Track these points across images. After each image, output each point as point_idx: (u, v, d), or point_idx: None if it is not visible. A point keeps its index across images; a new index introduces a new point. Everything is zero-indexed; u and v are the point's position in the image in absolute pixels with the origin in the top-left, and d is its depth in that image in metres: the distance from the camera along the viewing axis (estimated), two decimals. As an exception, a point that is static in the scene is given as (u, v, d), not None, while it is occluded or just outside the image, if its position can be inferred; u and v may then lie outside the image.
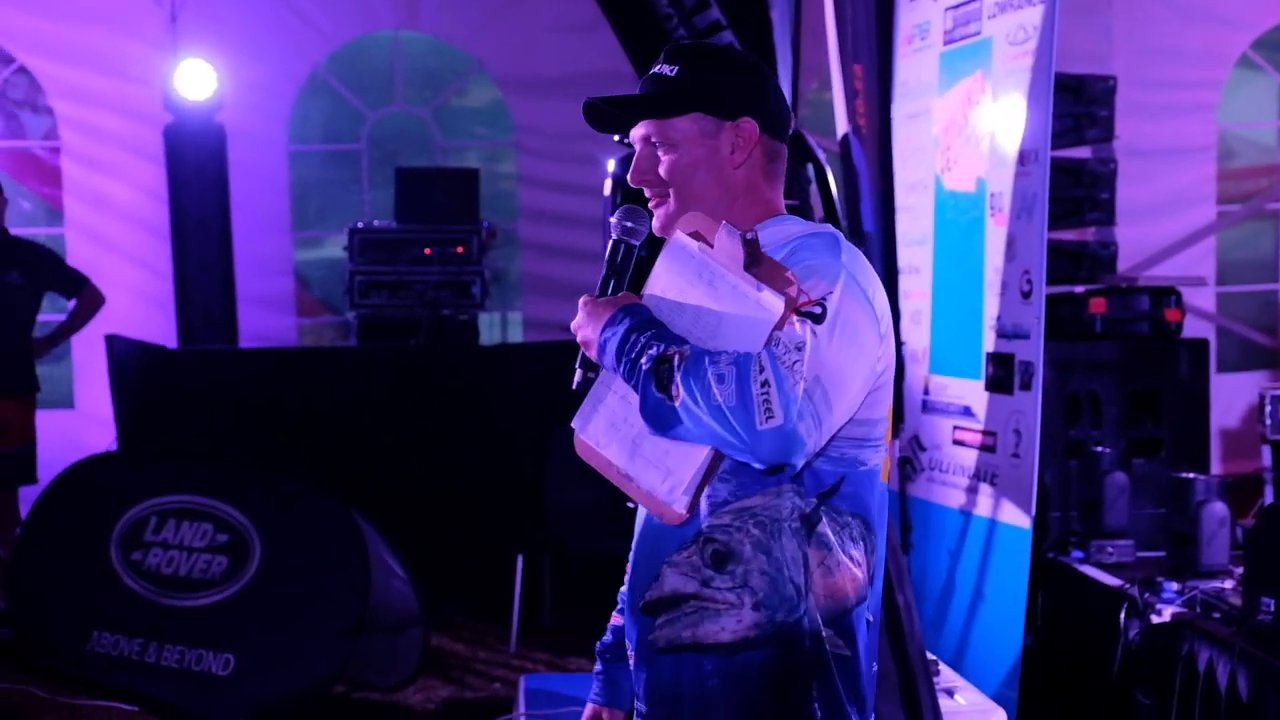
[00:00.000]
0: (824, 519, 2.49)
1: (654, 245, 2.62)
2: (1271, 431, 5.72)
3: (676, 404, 2.36)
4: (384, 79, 10.93)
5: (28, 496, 7.63)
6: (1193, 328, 10.09)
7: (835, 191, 5.84)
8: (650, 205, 2.64)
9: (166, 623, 6.31)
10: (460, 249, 9.06)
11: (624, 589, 2.71)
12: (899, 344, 6.55)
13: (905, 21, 6.70)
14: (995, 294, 5.87)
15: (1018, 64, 5.77)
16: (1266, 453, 5.93)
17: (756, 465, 2.39)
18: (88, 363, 9.84)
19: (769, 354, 2.33)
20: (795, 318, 2.36)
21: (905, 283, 6.62)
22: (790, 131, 2.71)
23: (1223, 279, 11.07)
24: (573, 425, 2.62)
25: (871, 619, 2.58)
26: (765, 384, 2.31)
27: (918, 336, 6.56)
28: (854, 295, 2.43)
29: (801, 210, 5.42)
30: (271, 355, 8.93)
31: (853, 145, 6.20)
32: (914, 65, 6.61)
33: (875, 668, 2.62)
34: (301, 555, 6.32)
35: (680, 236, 2.55)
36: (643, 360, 2.42)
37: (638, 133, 2.64)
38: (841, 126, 6.27)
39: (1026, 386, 5.65)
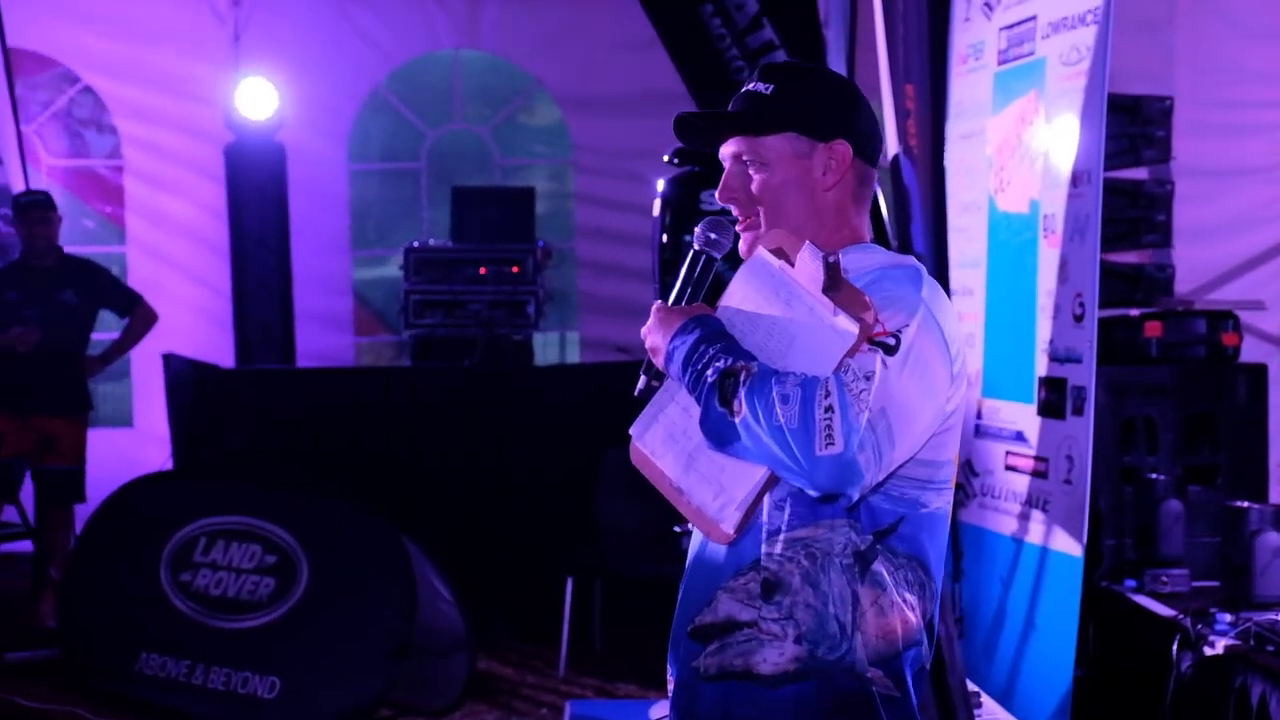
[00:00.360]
0: (880, 558, 2.43)
1: (734, 262, 2.58)
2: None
3: (737, 420, 2.33)
4: (443, 97, 10.96)
5: (81, 513, 7.69)
6: (1258, 352, 9.97)
7: (885, 213, 5.78)
8: (738, 226, 2.60)
9: (214, 644, 6.32)
10: (515, 268, 9.04)
11: None
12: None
13: (959, 41, 6.63)
14: (1048, 317, 5.78)
15: (1071, 84, 5.68)
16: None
17: (811, 492, 2.35)
18: (146, 381, 9.91)
19: (837, 379, 2.29)
20: (868, 346, 2.31)
21: (959, 305, 6.53)
22: (880, 156, 2.67)
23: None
24: (630, 432, 2.59)
25: (924, 664, 2.53)
26: (829, 409, 2.27)
27: (971, 359, 6.47)
28: (930, 331, 2.38)
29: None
30: (324, 375, 8.96)
31: (904, 166, 6.14)
32: (968, 85, 6.53)
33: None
34: (348, 577, 6.31)
35: (762, 252, 2.49)
36: (708, 372, 2.38)
37: (728, 150, 2.60)
38: (892, 147, 6.21)
39: (1079, 411, 5.55)
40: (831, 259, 2.39)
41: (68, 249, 8.30)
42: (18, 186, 8.65)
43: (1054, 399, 5.71)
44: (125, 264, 10.39)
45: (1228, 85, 10.31)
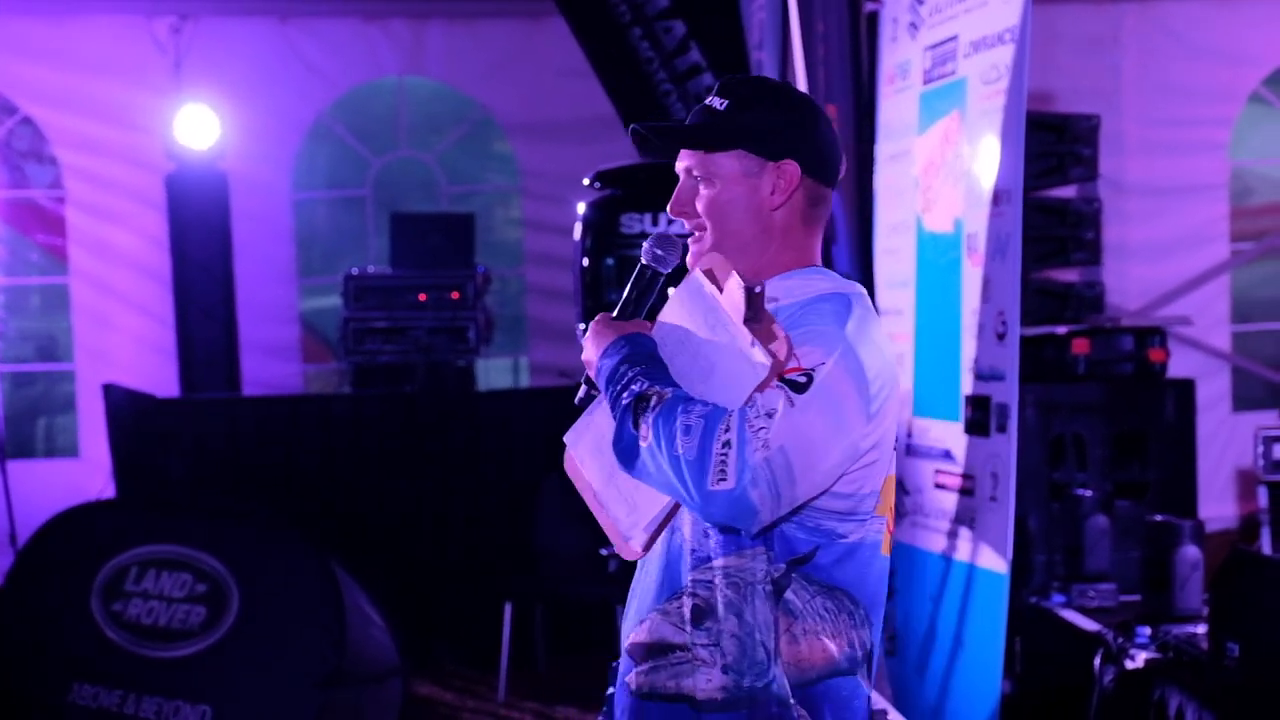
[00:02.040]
0: (792, 586, 2.44)
1: (680, 277, 2.60)
2: (1266, 472, 5.63)
3: (643, 445, 2.35)
4: (389, 125, 10.95)
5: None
6: (1207, 366, 10.02)
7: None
8: (689, 240, 2.61)
9: (145, 674, 6.27)
10: (456, 294, 9.03)
11: None
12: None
13: (888, 61, 6.66)
14: (972, 335, 5.79)
15: (991, 103, 5.71)
16: (1263, 494, 5.84)
17: (705, 522, 2.40)
18: (91, 412, 9.86)
19: (740, 415, 2.30)
20: (776, 383, 2.32)
21: (889, 325, 6.55)
22: (839, 175, 2.66)
23: (1242, 317, 10.93)
24: (565, 439, 2.63)
25: (861, 694, 2.52)
26: (727, 444, 2.28)
27: (902, 379, 6.48)
28: (847, 370, 2.37)
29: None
30: (263, 403, 8.93)
31: (825, 187, 6.14)
32: (896, 105, 6.56)
33: None
34: (277, 605, 6.28)
35: (697, 274, 2.52)
36: (624, 395, 2.41)
37: (680, 164, 2.61)
38: (813, 168, 6.22)
39: (1003, 429, 5.57)
40: (757, 289, 2.40)
41: (10, 281, 8.25)
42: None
43: (979, 417, 5.72)
44: (69, 295, 10.35)
45: (1176, 103, 10.39)
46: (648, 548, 2.50)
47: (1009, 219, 5.56)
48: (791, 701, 2.43)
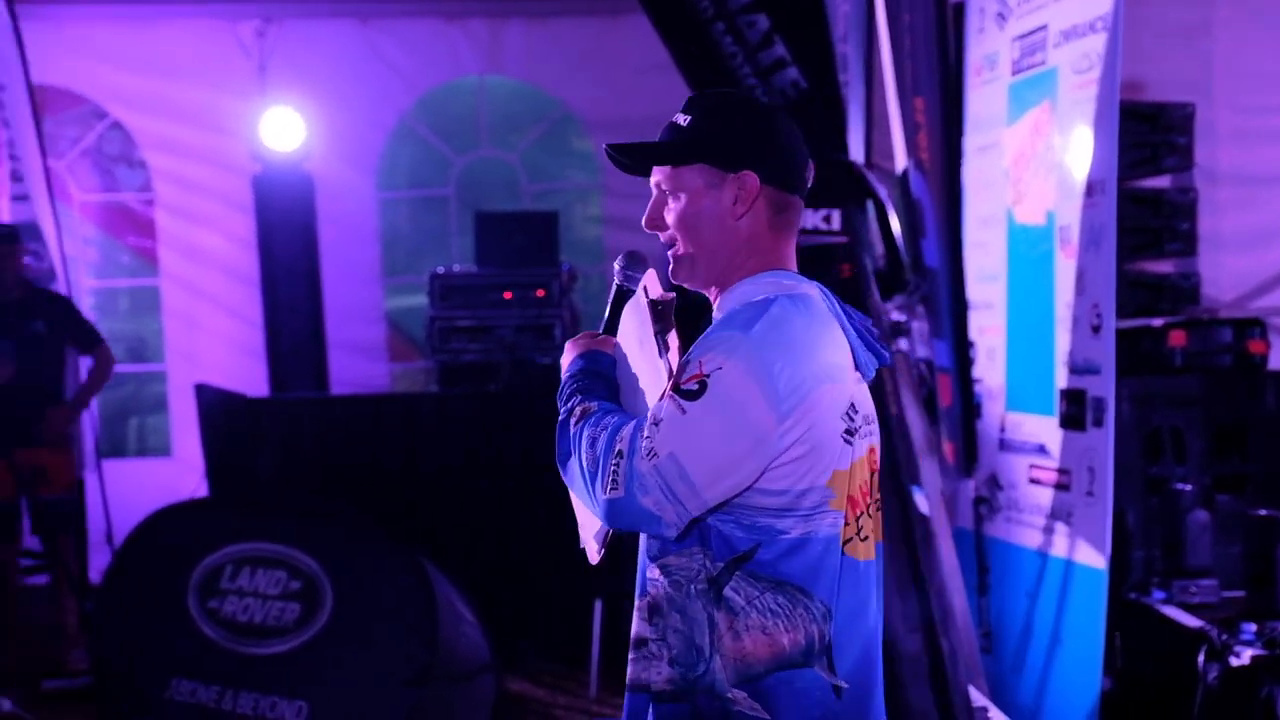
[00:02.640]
0: (734, 583, 2.51)
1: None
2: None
3: (570, 459, 2.52)
4: (470, 124, 10.98)
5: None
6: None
7: (896, 227, 5.74)
8: (668, 252, 2.69)
9: (242, 670, 6.32)
10: (540, 292, 9.04)
11: None
12: (973, 381, 6.44)
13: (975, 53, 6.61)
14: (1066, 329, 5.74)
15: (1083, 93, 5.65)
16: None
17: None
18: (183, 412, 9.96)
19: (636, 425, 2.45)
20: (669, 392, 2.44)
21: (980, 319, 6.51)
22: (806, 182, 2.72)
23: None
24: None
25: (826, 685, 2.54)
26: (620, 454, 2.44)
27: (994, 373, 6.44)
28: (748, 372, 2.44)
29: (856, 247, 5.34)
30: (350, 402, 8.97)
31: (913, 179, 6.11)
32: (984, 97, 6.51)
33: None
34: (370, 602, 6.31)
35: (640, 292, 2.66)
36: (562, 410, 2.58)
37: (653, 179, 2.70)
38: (901, 160, 6.18)
39: (1099, 423, 5.51)
40: (664, 298, 2.60)
41: (103, 283, 8.33)
42: (46, 222, 8.71)
43: (1074, 411, 5.67)
44: (159, 297, 10.46)
45: (1269, 90, 10.22)
46: (599, 554, 2.65)
47: (1103, 210, 5.50)
48: (729, 695, 2.50)
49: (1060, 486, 5.81)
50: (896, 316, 6.07)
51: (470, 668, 6.46)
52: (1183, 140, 6.53)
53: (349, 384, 10.24)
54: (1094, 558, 5.52)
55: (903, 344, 6.05)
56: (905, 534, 4.20)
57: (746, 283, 2.64)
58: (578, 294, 9.59)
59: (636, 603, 2.62)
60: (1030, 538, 6.03)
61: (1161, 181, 6.90)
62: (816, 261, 5.47)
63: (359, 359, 10.54)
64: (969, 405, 6.44)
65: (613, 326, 2.72)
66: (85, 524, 8.05)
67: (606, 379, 2.62)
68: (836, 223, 5.42)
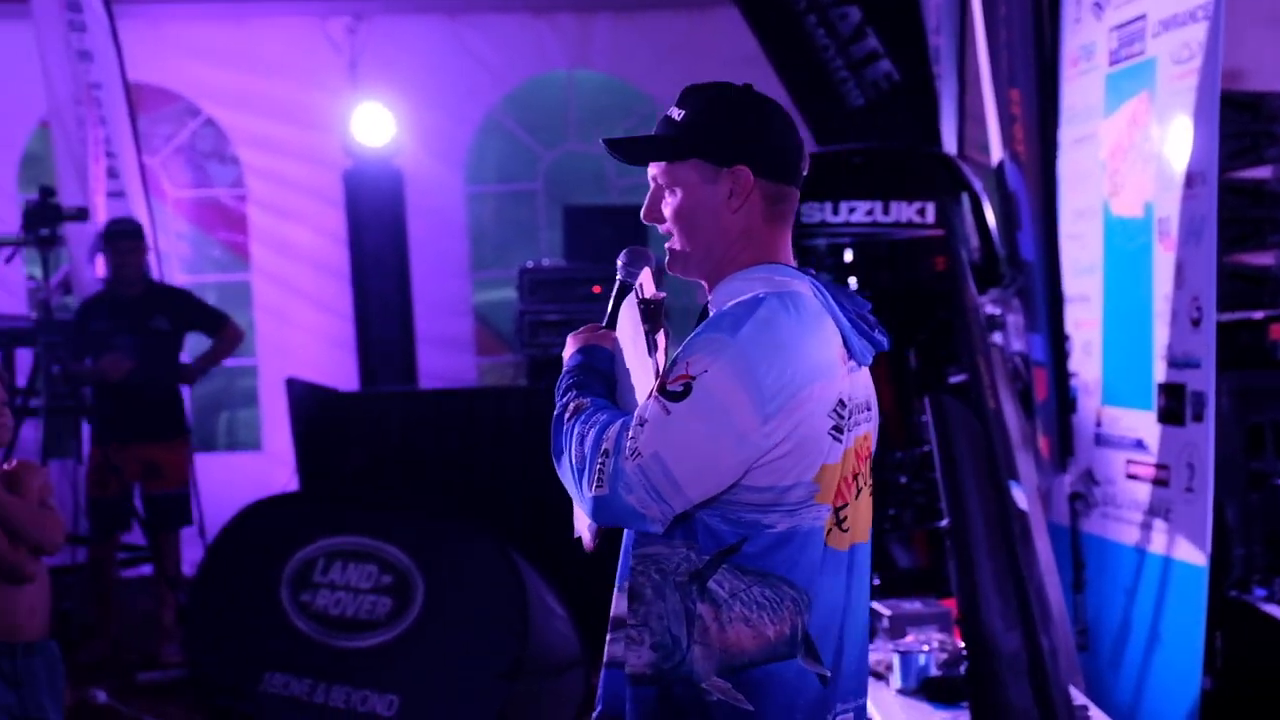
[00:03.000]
0: (718, 576, 2.56)
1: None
2: None
3: (562, 454, 2.60)
4: (558, 118, 11.00)
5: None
6: None
7: (991, 219, 5.68)
8: (666, 244, 2.75)
9: (334, 664, 6.37)
10: (629, 286, 9.03)
11: None
12: (1069, 375, 6.36)
13: (1070, 43, 6.52)
14: (1165, 322, 5.65)
15: (1183, 83, 5.56)
16: None
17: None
18: (274, 406, 10.04)
19: (623, 424, 2.52)
20: (655, 393, 2.50)
21: (1075, 312, 6.42)
22: (801, 173, 2.76)
23: None
24: None
25: (798, 677, 2.60)
26: (606, 453, 2.50)
27: (1089, 367, 6.35)
28: (733, 374, 2.49)
29: (951, 240, 5.29)
30: (440, 396, 9.01)
31: (1009, 172, 6.04)
32: (1080, 88, 6.42)
33: None
34: (461, 596, 6.33)
35: (631, 293, 2.75)
36: (557, 405, 2.65)
37: (650, 172, 2.75)
38: (996, 153, 6.11)
39: (1199, 418, 5.42)
40: (655, 298, 2.69)
41: (195, 278, 8.42)
42: (141, 217, 8.80)
43: (1173, 405, 5.58)
44: (250, 291, 10.55)
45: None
46: (594, 542, 2.70)
47: (1203, 201, 5.41)
48: (704, 685, 2.56)
49: (1159, 482, 5.72)
50: (992, 310, 6.02)
51: (560, 662, 6.47)
52: (1284, 130, 6.42)
53: (437, 378, 10.29)
54: (1194, 554, 5.43)
55: (998, 338, 5.99)
56: (1003, 530, 4.15)
57: (738, 278, 2.68)
58: (665, 288, 9.56)
59: (618, 584, 2.69)
60: (1127, 534, 5.94)
61: (1262, 172, 6.77)
62: (911, 255, 5.43)
63: (447, 353, 10.59)
64: (1064, 399, 6.36)
65: (614, 321, 2.78)
66: (195, 518, 8.13)
67: (603, 375, 2.69)
68: (931, 216, 5.38)
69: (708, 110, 2.71)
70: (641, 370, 2.63)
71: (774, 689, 2.58)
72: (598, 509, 2.54)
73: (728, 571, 2.56)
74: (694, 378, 2.49)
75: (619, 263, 2.82)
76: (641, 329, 2.67)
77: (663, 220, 2.73)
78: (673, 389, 2.49)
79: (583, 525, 2.72)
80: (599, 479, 2.50)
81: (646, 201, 2.75)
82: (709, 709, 2.57)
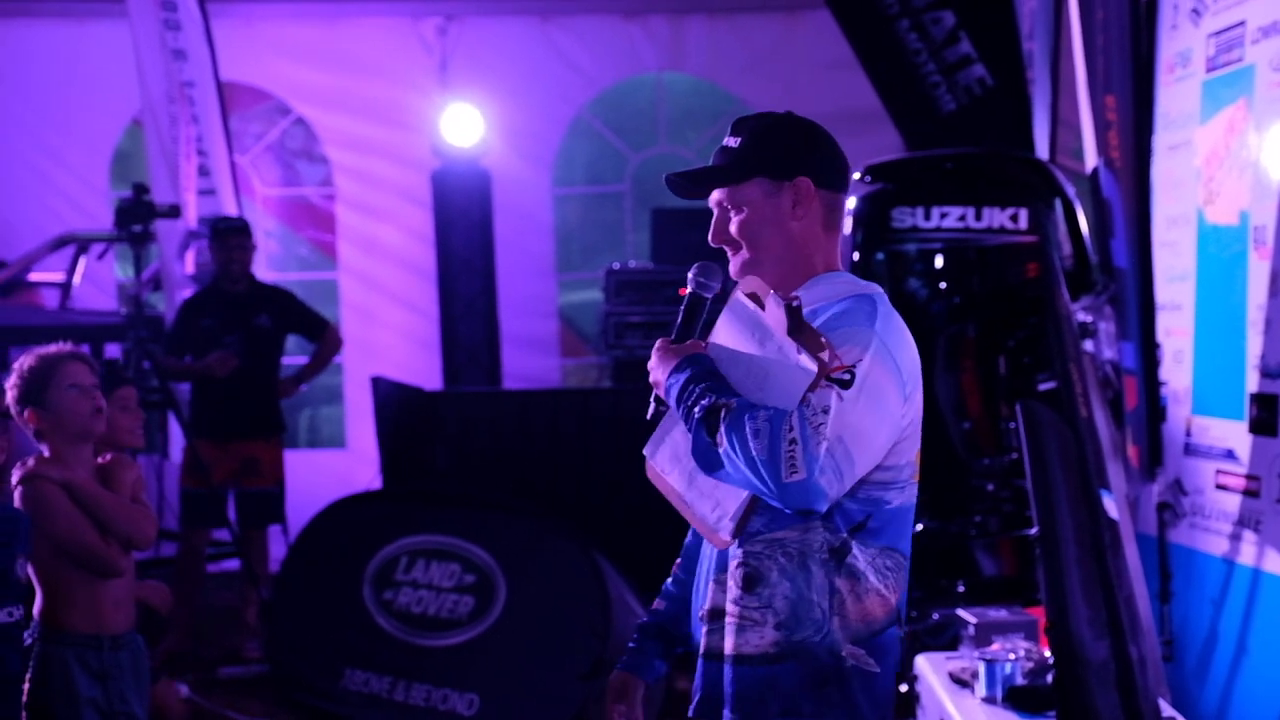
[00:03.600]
0: (854, 551, 2.82)
1: (722, 301, 2.96)
2: None
3: (720, 451, 2.72)
4: (647, 121, 11.01)
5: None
6: None
7: (1084, 226, 5.62)
8: (731, 262, 2.96)
9: (415, 661, 6.39)
10: (715, 289, 9.01)
11: (670, 581, 3.26)
12: (1159, 384, 6.29)
13: (1167, 50, 6.44)
14: (1258, 332, 5.57)
15: (1282, 90, 5.48)
16: None
17: (784, 510, 2.74)
18: (359, 404, 10.11)
19: (799, 414, 2.65)
20: (825, 382, 2.67)
21: (1166, 320, 6.35)
22: (849, 182, 3.06)
23: None
24: (645, 451, 2.99)
25: (902, 636, 2.94)
26: (793, 442, 2.64)
27: (1180, 376, 6.28)
28: (882, 361, 2.75)
29: (1045, 246, 5.24)
30: (525, 396, 9.02)
31: (1104, 178, 5.98)
32: (1175, 95, 6.34)
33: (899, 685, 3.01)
34: (544, 597, 6.34)
35: (740, 296, 2.87)
36: (696, 409, 2.76)
37: (712, 199, 2.98)
38: (1091, 159, 6.04)
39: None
40: (795, 304, 2.75)
41: (282, 276, 8.48)
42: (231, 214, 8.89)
43: (1265, 416, 5.50)
44: (337, 290, 10.62)
45: None
46: (735, 534, 2.82)
47: (1301, 210, 5.34)
48: (844, 653, 2.81)
49: (1249, 493, 5.65)
50: (1084, 317, 5.95)
51: (642, 664, 6.45)
52: (1383, 139, 6.31)
53: (521, 378, 10.32)
54: (1284, 568, 5.36)
55: (1089, 345, 5.93)
56: (1093, 539, 4.10)
57: (823, 280, 2.93)
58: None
59: (710, 577, 2.91)
60: (1216, 544, 5.87)
61: (1360, 182, 6.66)
62: (1002, 261, 5.39)
63: (531, 353, 10.62)
64: (1155, 408, 6.29)
65: (687, 332, 2.93)
66: (284, 519, 8.19)
67: (722, 377, 2.81)
68: (1024, 222, 5.34)
69: (762, 133, 2.94)
70: (777, 368, 2.74)
71: (889, 649, 2.87)
72: (793, 494, 2.66)
73: (859, 547, 2.82)
74: (854, 365, 2.70)
75: (690, 275, 2.96)
76: (762, 329, 2.78)
77: (731, 241, 2.94)
78: (840, 377, 2.68)
79: (719, 519, 2.84)
80: (793, 465, 2.64)
81: (712, 227, 2.96)
82: (846, 675, 2.82)
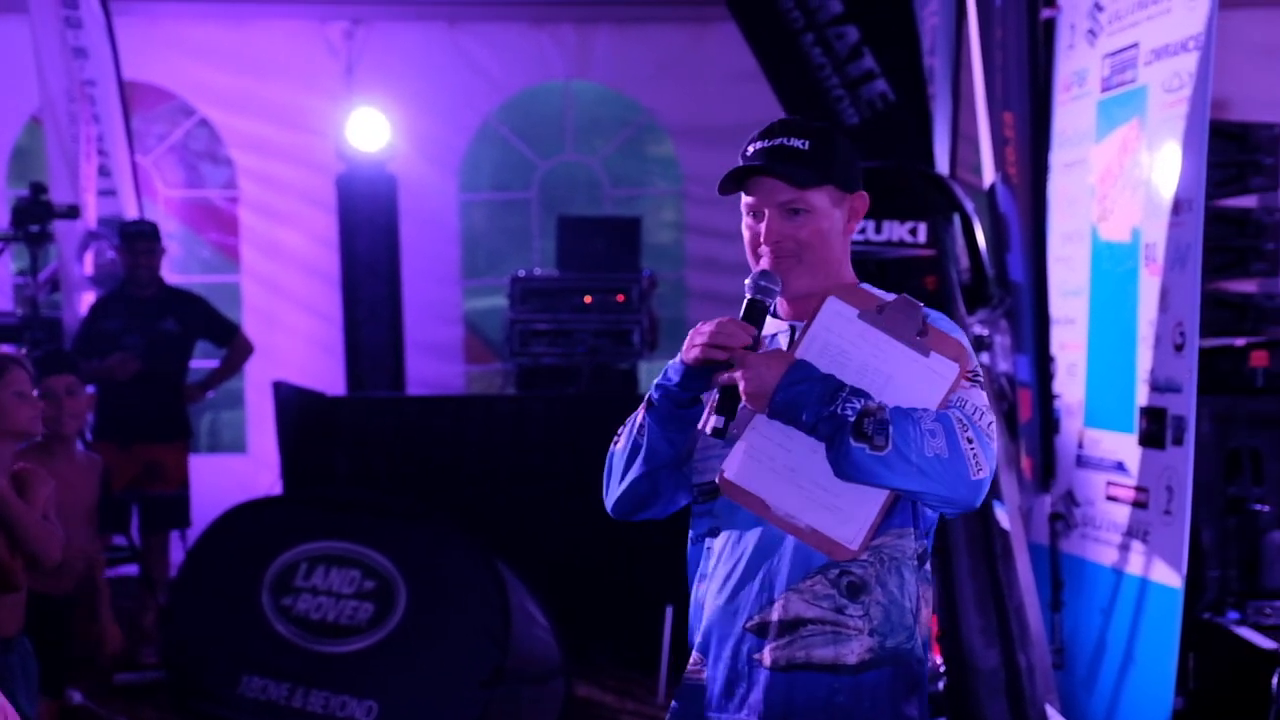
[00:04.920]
0: (929, 557, 2.90)
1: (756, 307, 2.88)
2: None
3: (883, 454, 2.69)
4: (555, 128, 11.02)
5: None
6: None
7: (981, 241, 5.72)
8: (773, 265, 2.89)
9: (313, 668, 6.37)
10: (621, 297, 9.05)
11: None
12: (1053, 397, 6.40)
13: (1064, 69, 6.56)
14: (1149, 346, 5.70)
15: (1173, 111, 5.61)
16: None
17: (948, 510, 2.80)
18: (260, 409, 10.05)
19: (962, 413, 2.73)
20: (966, 383, 2.76)
21: (1061, 334, 6.47)
22: None
23: None
24: (722, 468, 2.87)
25: None
26: (970, 440, 2.70)
27: (1073, 389, 6.39)
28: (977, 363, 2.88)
29: (942, 260, 5.32)
30: (428, 402, 9.01)
31: (1001, 194, 6.08)
32: (1072, 113, 6.47)
33: None
34: (444, 603, 6.34)
35: (838, 303, 2.86)
36: (846, 412, 2.72)
37: (777, 198, 2.89)
38: (989, 175, 6.15)
39: (1179, 442, 5.46)
40: (923, 317, 2.82)
41: (184, 278, 8.43)
42: (131, 217, 8.82)
43: (1154, 429, 5.62)
44: (239, 293, 10.55)
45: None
46: (866, 545, 2.79)
47: (1189, 229, 5.46)
48: (925, 658, 2.87)
49: (1138, 504, 5.77)
50: (979, 330, 6.05)
51: (541, 670, 6.49)
52: (1269, 161, 6.44)
53: (425, 384, 10.30)
54: (1170, 576, 5.48)
55: (985, 358, 6.02)
56: (985, 549, 4.18)
57: (862, 288, 2.95)
58: (657, 300, 9.60)
59: (793, 587, 2.82)
60: (1106, 555, 5.98)
61: (1247, 201, 6.81)
62: (901, 274, 5.46)
63: (435, 360, 10.60)
64: (1048, 421, 6.40)
65: (757, 340, 2.84)
66: (189, 523, 8.14)
67: (842, 383, 2.78)
68: (923, 235, 5.41)
69: (830, 140, 2.92)
70: (900, 370, 2.79)
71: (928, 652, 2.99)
72: (976, 490, 2.73)
73: (929, 553, 2.91)
74: (976, 369, 2.83)
75: (753, 281, 2.88)
76: (868, 332, 2.82)
77: (790, 242, 2.89)
78: (978, 378, 2.81)
79: (855, 533, 2.80)
80: (976, 463, 2.71)
81: (773, 226, 2.89)
82: (928, 677, 3.01)
